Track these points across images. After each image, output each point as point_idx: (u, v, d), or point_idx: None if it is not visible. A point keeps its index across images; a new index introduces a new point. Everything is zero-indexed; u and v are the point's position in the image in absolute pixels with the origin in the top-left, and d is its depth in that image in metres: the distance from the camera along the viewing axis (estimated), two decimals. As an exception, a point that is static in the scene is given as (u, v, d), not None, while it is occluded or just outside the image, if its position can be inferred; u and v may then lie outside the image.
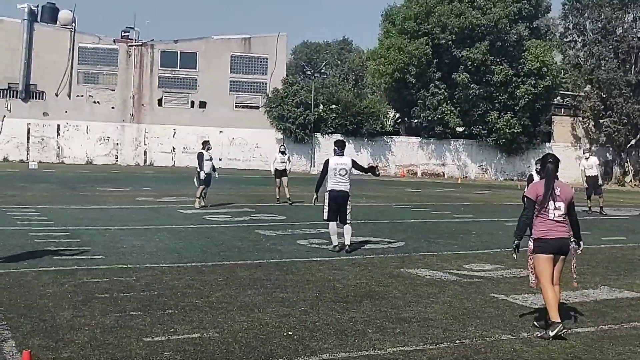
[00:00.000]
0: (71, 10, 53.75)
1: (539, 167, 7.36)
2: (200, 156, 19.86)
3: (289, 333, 6.65)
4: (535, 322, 7.34)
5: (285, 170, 22.41)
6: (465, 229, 16.47)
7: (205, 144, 20.70)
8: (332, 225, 12.08)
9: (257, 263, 10.55)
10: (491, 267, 10.95)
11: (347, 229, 12.03)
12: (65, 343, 6.05)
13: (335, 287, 8.94)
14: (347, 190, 12.04)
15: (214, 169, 20.36)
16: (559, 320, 6.83)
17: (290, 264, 10.59)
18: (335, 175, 11.98)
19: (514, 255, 7.52)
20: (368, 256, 11.66)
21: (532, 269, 7.36)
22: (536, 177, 13.00)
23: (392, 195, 28.83)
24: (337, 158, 12.18)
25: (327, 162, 12.22)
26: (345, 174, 12.04)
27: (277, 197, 22.06)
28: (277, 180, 22.29)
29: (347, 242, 11.94)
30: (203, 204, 19.51)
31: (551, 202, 7.10)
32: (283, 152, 23.16)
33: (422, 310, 7.78)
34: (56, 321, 6.74)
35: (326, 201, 12.02)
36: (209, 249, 11.80)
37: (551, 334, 6.74)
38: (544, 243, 7.11)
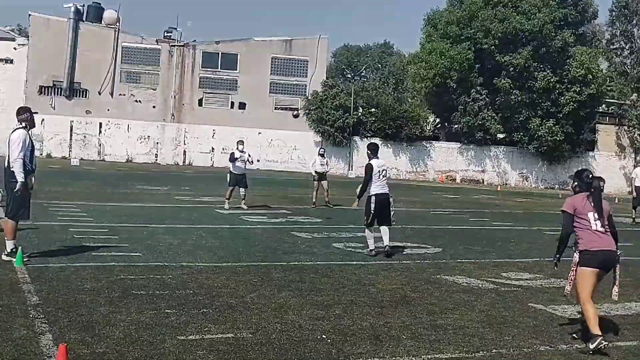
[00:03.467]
0: (116, 10, 54.66)
1: (575, 183, 7.12)
2: (232, 155, 19.96)
3: (323, 336, 6.60)
4: (574, 334, 7.16)
5: (324, 173, 22.39)
6: (504, 237, 16.23)
7: (240, 144, 20.66)
8: (369, 232, 11.98)
9: (293, 265, 10.53)
10: (530, 276, 10.75)
11: (386, 230, 11.94)
12: (101, 338, 6.09)
13: (370, 291, 8.86)
14: (389, 193, 12.08)
15: (245, 167, 20.02)
16: (600, 334, 6.63)
17: (326, 266, 10.54)
18: (379, 179, 11.93)
19: (555, 268, 7.56)
20: (404, 261, 11.55)
21: (571, 280, 7.16)
22: None
23: (430, 200, 28.59)
24: (377, 161, 12.10)
25: (370, 167, 12.02)
26: (387, 175, 12.16)
27: (314, 200, 21.77)
28: (316, 183, 22.14)
29: (387, 242, 11.84)
30: (244, 206, 19.37)
31: (591, 214, 7.00)
32: (322, 155, 23.18)
33: (458, 318, 7.66)
34: (92, 316, 6.80)
35: (372, 205, 11.85)
36: (245, 250, 11.82)
37: (591, 347, 6.55)
38: (589, 255, 6.91)
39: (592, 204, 7.01)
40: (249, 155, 20.52)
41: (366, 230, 12.06)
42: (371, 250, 11.88)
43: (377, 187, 11.89)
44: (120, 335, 6.22)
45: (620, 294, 7.70)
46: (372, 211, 11.85)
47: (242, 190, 19.78)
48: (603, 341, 6.53)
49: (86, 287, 8.09)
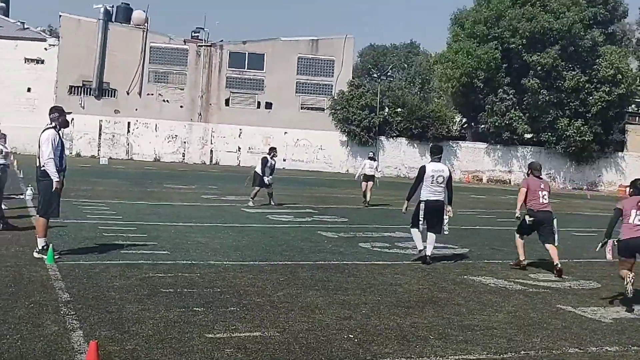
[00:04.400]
0: (144, 11, 55.21)
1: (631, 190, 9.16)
2: (264, 161, 20.47)
3: (350, 336, 6.60)
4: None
5: (373, 176, 23.21)
6: (532, 238, 16.04)
7: (272, 151, 21.27)
8: (416, 231, 11.30)
9: (319, 264, 10.55)
10: (558, 277, 10.64)
11: (432, 238, 11.20)
12: (131, 335, 6.16)
13: (397, 291, 8.85)
14: (443, 200, 11.24)
15: (271, 173, 20.70)
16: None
17: (352, 266, 10.55)
18: (431, 184, 11.13)
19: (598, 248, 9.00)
20: (431, 262, 11.49)
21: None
22: None
23: (456, 201, 28.16)
24: (434, 165, 11.31)
25: (423, 169, 11.30)
26: (443, 181, 11.20)
27: (366, 200, 22.47)
28: (364, 184, 22.88)
29: (429, 252, 11.15)
30: (272, 203, 20.14)
31: (633, 211, 8.71)
32: (372, 159, 23.95)
33: (485, 319, 7.62)
34: (122, 313, 6.88)
35: (421, 212, 11.12)
36: (272, 249, 11.86)
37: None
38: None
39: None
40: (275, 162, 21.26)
41: (411, 229, 11.41)
42: (420, 250, 11.28)
43: (428, 193, 11.16)
44: (149, 332, 6.29)
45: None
46: (420, 218, 11.17)
47: (271, 189, 20.46)
48: None
49: (115, 284, 8.19)
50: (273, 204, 20.19)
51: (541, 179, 11.86)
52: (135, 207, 17.64)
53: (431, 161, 11.45)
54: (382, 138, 53.07)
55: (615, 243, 8.79)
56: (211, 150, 54.35)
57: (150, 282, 8.41)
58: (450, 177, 11.38)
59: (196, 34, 56.39)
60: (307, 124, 53.48)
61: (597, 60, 48.63)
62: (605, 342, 6.99)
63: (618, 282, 9.92)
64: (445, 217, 11.26)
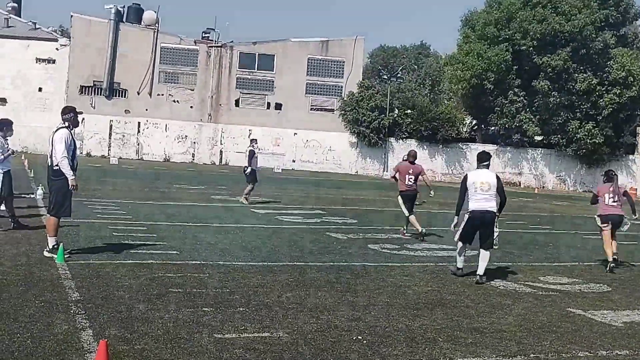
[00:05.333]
0: (155, 11, 55.41)
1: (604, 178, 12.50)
2: (252, 153, 20.84)
3: (359, 337, 6.59)
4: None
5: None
6: (542, 241, 16.04)
7: (253, 142, 21.68)
8: (459, 244, 10.43)
9: (328, 265, 10.54)
10: (568, 280, 10.60)
11: (484, 255, 10.09)
12: (140, 335, 6.18)
13: (406, 293, 8.83)
14: (493, 210, 10.14)
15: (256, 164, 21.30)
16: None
17: (361, 268, 10.54)
18: (475, 192, 10.13)
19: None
20: (440, 264, 11.49)
21: None
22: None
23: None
24: (478, 172, 10.43)
25: (464, 178, 10.54)
26: (489, 189, 10.11)
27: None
28: None
29: (481, 272, 9.98)
30: (247, 202, 20.34)
31: (606, 195, 12.43)
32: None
33: (495, 322, 7.59)
34: (131, 313, 6.90)
35: (462, 224, 10.23)
36: (281, 249, 11.87)
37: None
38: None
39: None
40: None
41: (459, 244, 10.49)
42: (458, 269, 10.41)
43: (474, 203, 10.12)
44: (158, 332, 6.30)
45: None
46: (462, 229, 10.23)
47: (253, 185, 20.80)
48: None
49: (125, 284, 8.21)
50: (245, 202, 20.28)
51: (413, 164, 14.84)
52: (145, 207, 17.69)
53: (477, 168, 10.57)
54: (392, 139, 53.02)
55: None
56: (221, 151, 54.46)
57: (160, 282, 8.43)
58: (499, 184, 10.27)
59: (206, 35, 56.55)
60: (316, 125, 53.52)
61: (609, 63, 48.42)
62: (616, 345, 6.95)
63: (629, 286, 9.87)
64: (495, 229, 10.27)
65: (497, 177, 10.44)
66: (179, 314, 6.99)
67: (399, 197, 14.86)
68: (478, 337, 6.90)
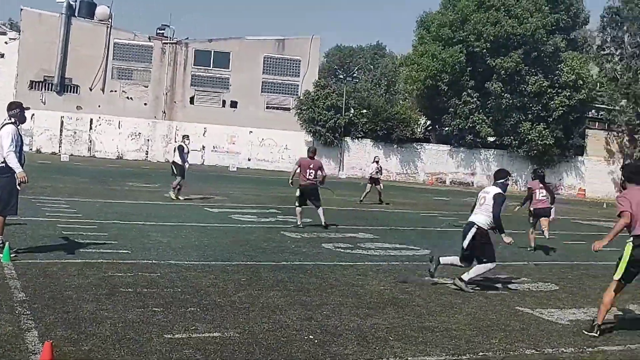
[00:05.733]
0: (108, 6, 54.51)
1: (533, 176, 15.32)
2: (181, 149, 21.23)
3: (310, 337, 6.60)
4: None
5: (378, 179, 25.55)
6: (493, 240, 16.25)
7: (185, 138, 22.11)
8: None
9: (282, 265, 10.52)
10: (517, 279, 10.79)
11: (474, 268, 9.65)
12: (87, 336, 6.06)
13: (358, 292, 8.87)
14: (477, 222, 9.67)
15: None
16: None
17: (314, 267, 10.54)
18: (477, 205, 9.86)
19: None
20: (393, 263, 11.57)
21: None
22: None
23: (420, 202, 28.65)
24: (492, 187, 9.92)
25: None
26: (486, 203, 9.62)
27: (361, 199, 24.59)
28: (368, 186, 25.21)
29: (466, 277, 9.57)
30: (179, 197, 20.52)
31: (537, 190, 14.92)
32: (377, 162, 26.43)
33: (445, 320, 7.68)
34: (79, 313, 6.77)
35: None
36: (234, 249, 11.80)
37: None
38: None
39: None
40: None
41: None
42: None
43: (472, 215, 9.91)
44: (106, 333, 6.20)
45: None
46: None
47: (182, 180, 20.99)
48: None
49: (73, 284, 8.06)
50: (173, 196, 20.52)
51: (313, 159, 15.83)
52: (97, 205, 17.39)
53: (493, 183, 10.03)
54: (348, 139, 53.23)
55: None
56: (175, 149, 53.85)
57: (110, 282, 8.30)
58: (493, 198, 9.55)
59: (161, 31, 55.85)
60: (272, 123, 53.38)
61: (559, 66, 49.46)
62: (562, 343, 7.11)
63: (575, 284, 10.10)
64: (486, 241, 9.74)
65: (494, 193, 9.65)
66: (128, 314, 6.89)
67: (298, 190, 15.79)
68: (428, 335, 6.97)
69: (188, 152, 21.72)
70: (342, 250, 12.52)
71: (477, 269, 9.53)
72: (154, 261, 9.95)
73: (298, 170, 15.91)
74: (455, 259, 9.86)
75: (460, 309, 8.31)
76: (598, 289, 10.34)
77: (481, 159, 53.72)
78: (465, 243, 9.64)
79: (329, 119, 51.71)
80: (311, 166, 15.77)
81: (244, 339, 6.35)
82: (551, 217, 15.01)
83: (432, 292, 9.26)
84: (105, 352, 5.69)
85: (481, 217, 9.61)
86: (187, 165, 21.16)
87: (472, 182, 53.08)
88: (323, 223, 15.71)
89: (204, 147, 53.27)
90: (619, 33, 52.34)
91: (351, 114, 53.34)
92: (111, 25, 53.56)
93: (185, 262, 10.05)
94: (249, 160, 53.55)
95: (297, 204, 15.83)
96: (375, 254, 12.48)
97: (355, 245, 13.25)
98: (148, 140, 53.46)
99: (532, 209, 14.97)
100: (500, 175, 9.98)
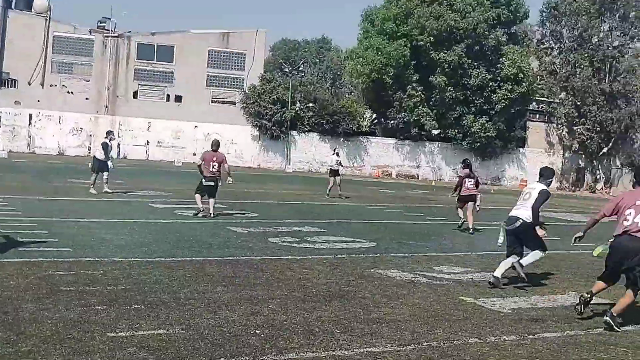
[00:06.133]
0: (47, -1, 53.02)
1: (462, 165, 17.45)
2: (105, 145, 21.16)
3: (257, 331, 6.58)
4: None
5: (337, 170, 25.51)
6: (438, 231, 16.54)
7: (109, 134, 22.04)
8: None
9: (227, 260, 10.46)
10: (461, 269, 10.99)
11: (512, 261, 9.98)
12: (27, 336, 5.92)
13: (304, 286, 8.89)
14: (521, 217, 9.83)
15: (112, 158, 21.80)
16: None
17: (261, 261, 10.52)
18: (520, 201, 10.07)
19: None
20: (339, 255, 11.62)
21: None
22: None
23: (366, 195, 28.87)
24: (536, 183, 10.17)
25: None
26: (528, 198, 9.85)
27: (327, 193, 24.90)
28: (331, 179, 25.35)
29: (497, 273, 9.82)
30: (109, 191, 20.51)
31: (466, 180, 16.67)
32: (337, 154, 26.57)
33: (391, 312, 7.76)
34: (18, 314, 6.60)
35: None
36: (179, 245, 11.67)
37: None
38: None
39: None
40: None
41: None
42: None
43: (513, 210, 10.07)
44: (47, 333, 6.06)
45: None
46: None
47: (106, 175, 20.95)
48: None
49: (12, 283, 7.85)
50: (109, 190, 20.57)
51: (217, 152, 16.32)
52: (37, 202, 16.97)
53: (538, 180, 10.26)
54: (294, 133, 53.19)
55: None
56: (118, 144, 52.78)
57: (50, 281, 8.11)
58: (539, 194, 9.82)
59: (102, 24, 54.64)
60: (218, 117, 52.91)
61: (501, 59, 50.40)
62: (504, 331, 7.27)
63: (515, 273, 10.33)
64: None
65: (539, 188, 9.93)
66: (70, 313, 6.76)
67: (203, 179, 16.29)
68: (374, 327, 7.04)
69: (111, 148, 21.83)
70: (288, 244, 12.52)
71: (532, 256, 10.00)
72: (96, 258, 9.77)
73: (202, 164, 16.38)
74: (512, 259, 9.92)
75: (405, 300, 8.41)
76: (539, 278, 10.65)
77: (426, 151, 54.39)
78: (507, 239, 10.00)
79: (275, 113, 51.58)
80: (214, 159, 16.29)
81: (189, 335, 6.30)
82: (477, 202, 16.72)
83: (377, 284, 9.35)
84: (46, 352, 5.57)
85: (525, 211, 9.82)
86: (110, 164, 21.05)
87: (418, 175, 53.73)
88: (211, 213, 16.06)
89: (148, 142, 52.50)
90: (558, 27, 53.62)
91: (297, 108, 53.31)
92: (50, 18, 52.17)
93: (129, 259, 9.90)
94: (194, 155, 52.89)
95: (197, 192, 16.37)
96: (322, 247, 12.53)
97: (301, 239, 13.27)
98: (90, 135, 52.30)
99: (462, 194, 16.82)
100: (548, 174, 10.34)
